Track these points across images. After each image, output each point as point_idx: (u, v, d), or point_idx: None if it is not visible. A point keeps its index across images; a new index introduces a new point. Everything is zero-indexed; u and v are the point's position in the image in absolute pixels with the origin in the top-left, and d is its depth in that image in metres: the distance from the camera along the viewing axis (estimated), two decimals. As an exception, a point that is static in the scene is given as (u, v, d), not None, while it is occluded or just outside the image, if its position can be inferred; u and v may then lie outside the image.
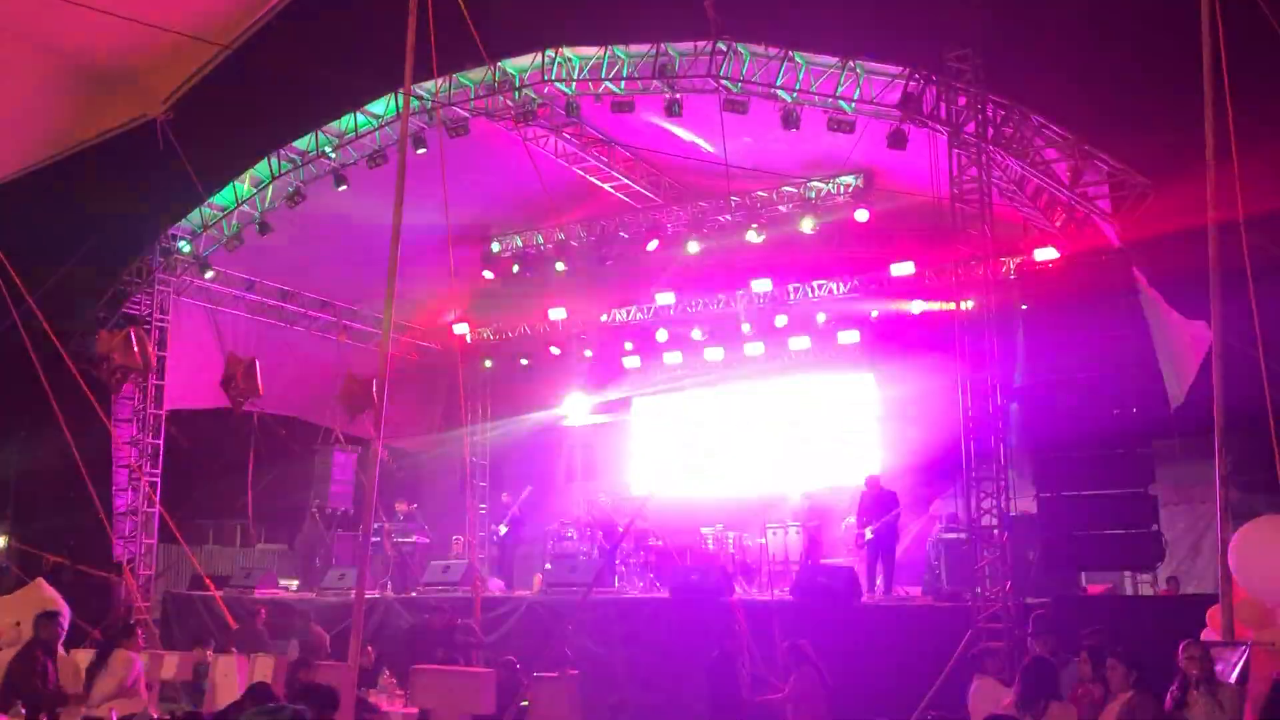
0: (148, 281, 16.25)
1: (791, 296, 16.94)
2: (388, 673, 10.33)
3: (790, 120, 12.56)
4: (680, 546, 15.29)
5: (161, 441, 16.20)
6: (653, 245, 17.10)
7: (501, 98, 13.92)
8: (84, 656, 9.21)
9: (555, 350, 19.12)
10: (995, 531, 10.86)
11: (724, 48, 12.35)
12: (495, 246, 18.60)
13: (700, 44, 12.48)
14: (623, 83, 13.22)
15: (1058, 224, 12.86)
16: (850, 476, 15.14)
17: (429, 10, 8.06)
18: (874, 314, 16.30)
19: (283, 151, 15.34)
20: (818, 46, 12.19)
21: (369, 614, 12.30)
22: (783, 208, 16.25)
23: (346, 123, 14.86)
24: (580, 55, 13.35)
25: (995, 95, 11.57)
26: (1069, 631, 9.02)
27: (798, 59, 12.25)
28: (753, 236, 16.06)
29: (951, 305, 12.62)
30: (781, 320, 17.02)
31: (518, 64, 13.66)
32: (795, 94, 12.44)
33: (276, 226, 15.85)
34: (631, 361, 18.87)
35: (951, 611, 10.91)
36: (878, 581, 12.87)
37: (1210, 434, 7.35)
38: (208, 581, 14.22)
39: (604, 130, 15.62)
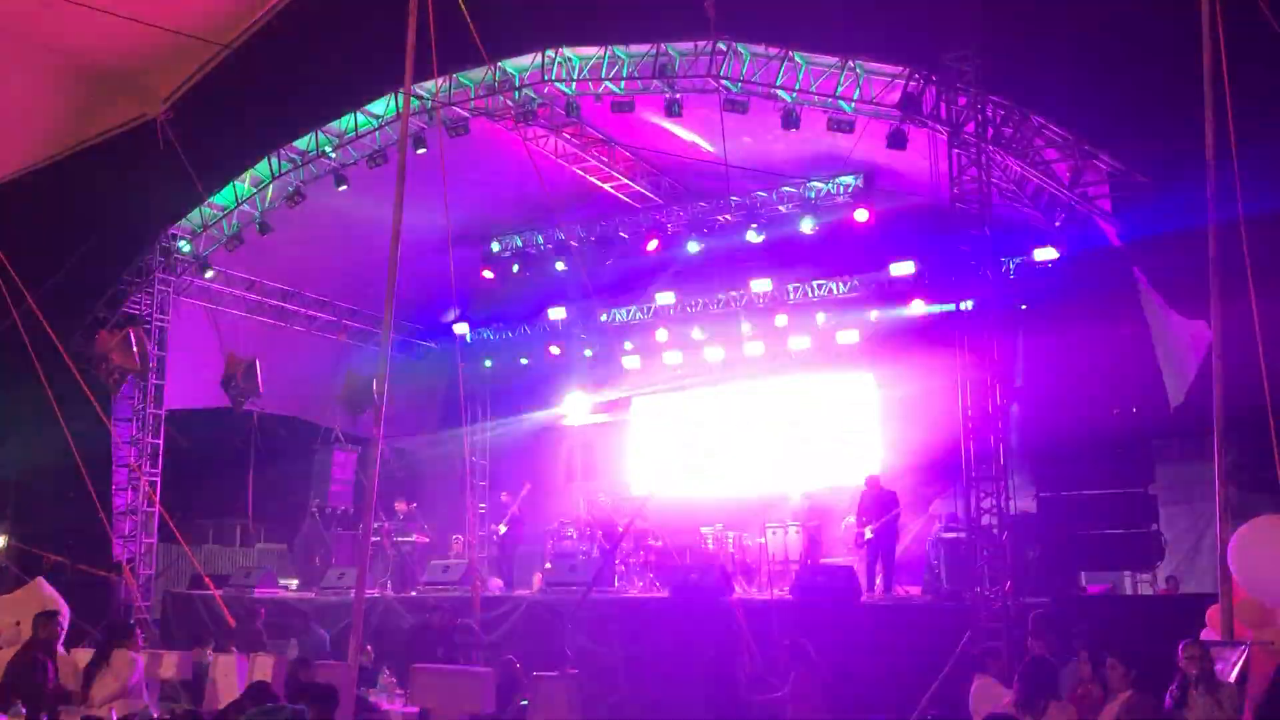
0: (148, 281, 16.25)
1: (791, 296, 16.94)
2: (388, 672, 10.33)
3: (790, 120, 12.56)
4: (680, 546, 15.29)
5: (161, 441, 16.21)
6: (653, 245, 17.10)
7: (501, 98, 13.93)
8: (84, 656, 9.21)
9: (555, 350, 19.12)
10: (995, 531, 10.87)
11: (724, 48, 12.35)
12: (495, 246, 18.61)
13: (700, 44, 12.49)
14: (623, 83, 13.22)
15: (1058, 224, 12.87)
16: (850, 476, 15.14)
17: (429, 10, 8.06)
18: (874, 314, 16.30)
19: (283, 151, 15.34)
20: (818, 46, 12.20)
21: (369, 613, 12.30)
22: (783, 208, 16.25)
23: (346, 122, 14.86)
24: (580, 55, 13.35)
25: (995, 95, 11.58)
26: (1068, 631, 9.03)
27: (797, 59, 12.25)
28: (753, 236, 16.07)
29: (951, 305, 12.63)
30: (781, 320, 17.02)
31: (518, 64, 13.66)
32: (795, 94, 12.45)
33: (276, 226, 15.85)
34: (631, 361, 18.87)
35: (951, 611, 10.92)
36: (877, 581, 12.87)
37: (1210, 433, 7.35)
38: (207, 581, 14.21)
39: (604, 130, 15.62)
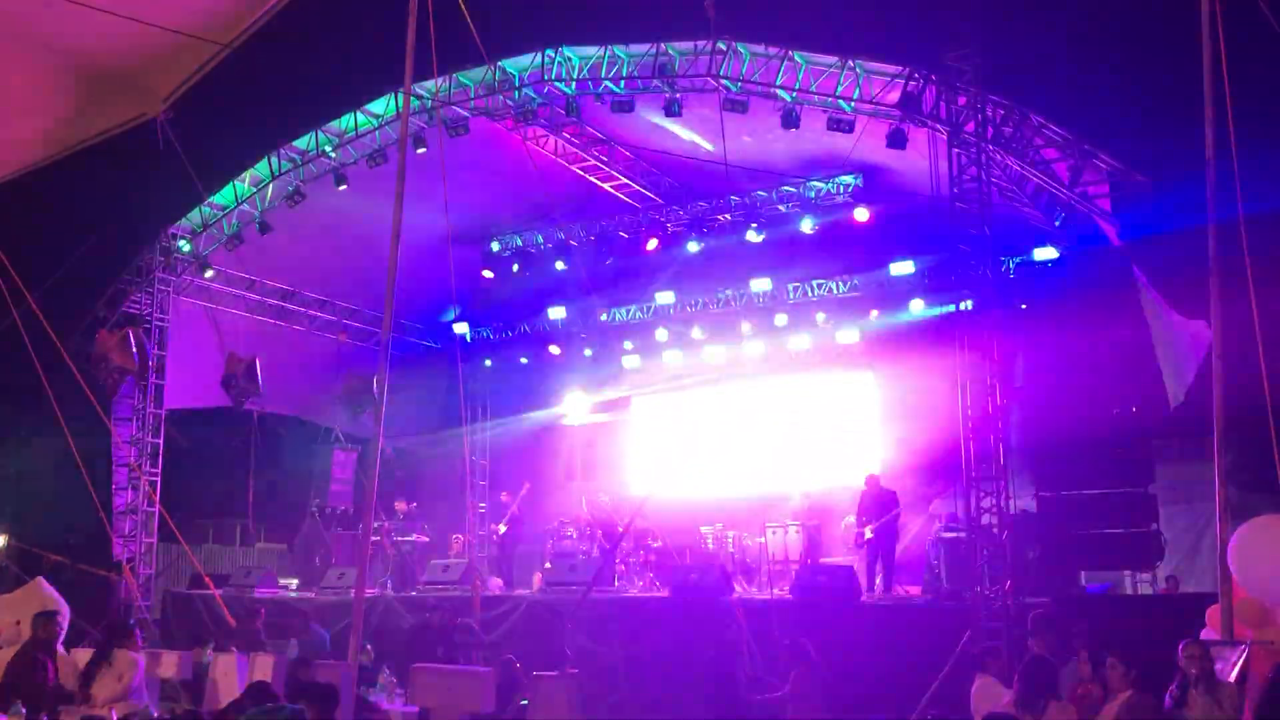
0: (148, 281, 16.25)
1: (791, 296, 16.93)
2: (388, 671, 10.33)
3: (790, 120, 12.56)
4: (680, 546, 15.29)
5: (161, 440, 16.21)
6: (653, 245, 17.11)
7: (501, 97, 13.94)
8: (84, 656, 9.21)
9: (555, 350, 19.13)
10: (995, 531, 10.87)
11: (724, 47, 12.35)
12: (495, 246, 18.62)
13: (700, 43, 12.49)
14: (623, 82, 13.22)
15: (1057, 223, 12.87)
16: (850, 476, 15.13)
17: (429, 10, 8.07)
18: (874, 314, 16.29)
19: (283, 150, 15.35)
20: (817, 46, 12.20)
21: (369, 613, 12.31)
22: (782, 207, 16.27)
23: (346, 122, 14.86)
24: (580, 55, 13.35)
25: (995, 95, 11.58)
26: (1068, 631, 9.03)
27: (797, 58, 12.26)
28: (752, 236, 16.07)
29: (951, 305, 12.63)
30: (781, 319, 17.02)
31: (518, 64, 13.67)
32: (795, 93, 12.45)
33: (276, 226, 15.85)
34: (631, 361, 18.87)
35: (951, 611, 10.92)
36: (877, 581, 12.87)
37: (1209, 433, 7.35)
38: (207, 580, 14.20)
39: (604, 130, 15.62)
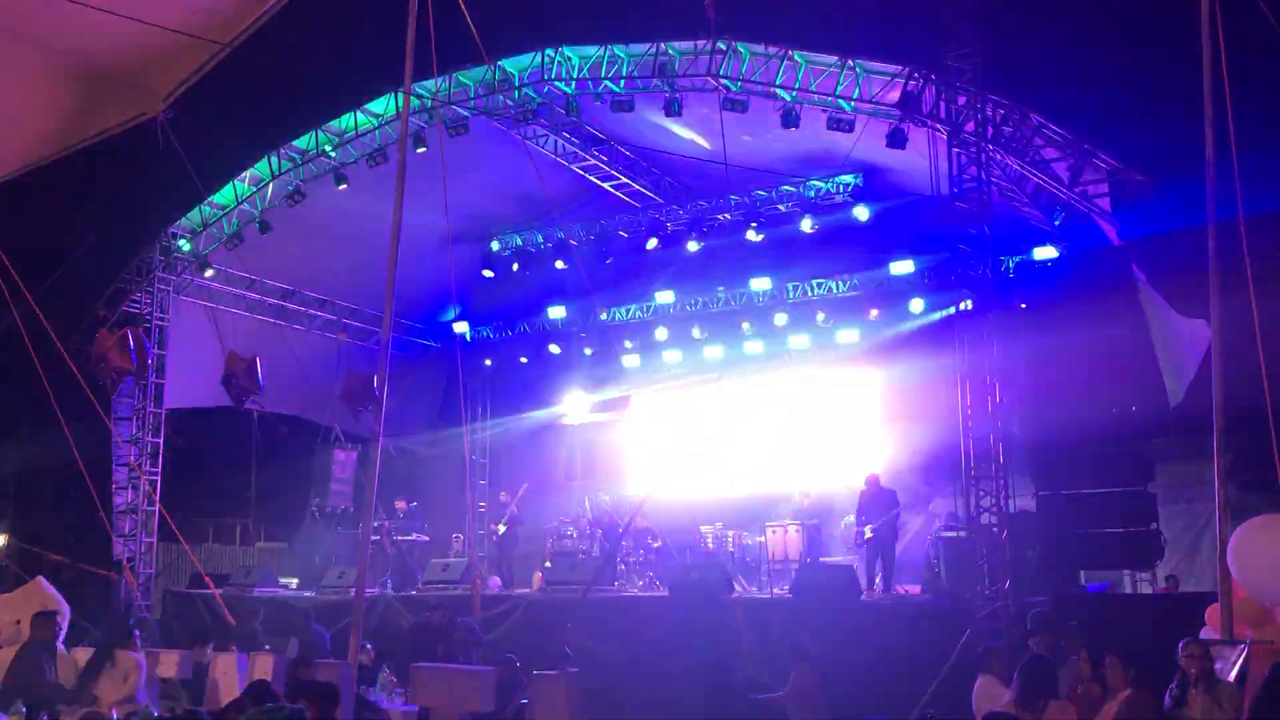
0: (148, 280, 16.25)
1: (791, 295, 16.93)
2: (388, 670, 10.34)
3: (790, 119, 12.56)
4: (680, 545, 15.30)
5: (161, 440, 16.21)
6: (653, 244, 17.10)
7: (501, 97, 13.93)
8: (84, 655, 9.22)
9: (555, 349, 19.12)
10: (994, 530, 10.87)
11: (724, 47, 12.35)
12: (495, 245, 18.62)
13: (700, 43, 12.49)
14: (622, 82, 13.22)
15: (1057, 223, 12.88)
16: (850, 475, 15.14)
17: (429, 10, 8.07)
18: (874, 313, 16.29)
19: (283, 150, 15.34)
20: (817, 46, 12.20)
21: (369, 612, 12.31)
22: (782, 207, 16.27)
23: (346, 121, 14.86)
24: (580, 54, 13.35)
25: (995, 94, 11.58)
26: (1067, 630, 9.04)
27: (797, 58, 12.26)
28: (752, 235, 16.06)
29: (951, 304, 12.64)
30: (781, 319, 17.02)
31: (518, 63, 13.67)
32: (795, 93, 12.45)
33: (276, 225, 15.85)
34: (631, 360, 18.87)
35: (951, 610, 10.93)
36: (877, 580, 12.88)
37: (1209, 432, 7.35)
38: (207, 580, 14.21)
39: (604, 130, 15.62)
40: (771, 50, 12.33)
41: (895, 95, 11.97)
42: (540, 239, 18.23)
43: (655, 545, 14.91)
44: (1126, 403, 12.03)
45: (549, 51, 13.39)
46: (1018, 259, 14.25)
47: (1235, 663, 6.55)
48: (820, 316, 16.83)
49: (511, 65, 13.69)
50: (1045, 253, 13.76)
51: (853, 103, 12.33)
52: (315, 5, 12.23)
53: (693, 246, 16.70)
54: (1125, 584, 12.89)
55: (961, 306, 11.77)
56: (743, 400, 17.90)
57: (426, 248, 14.56)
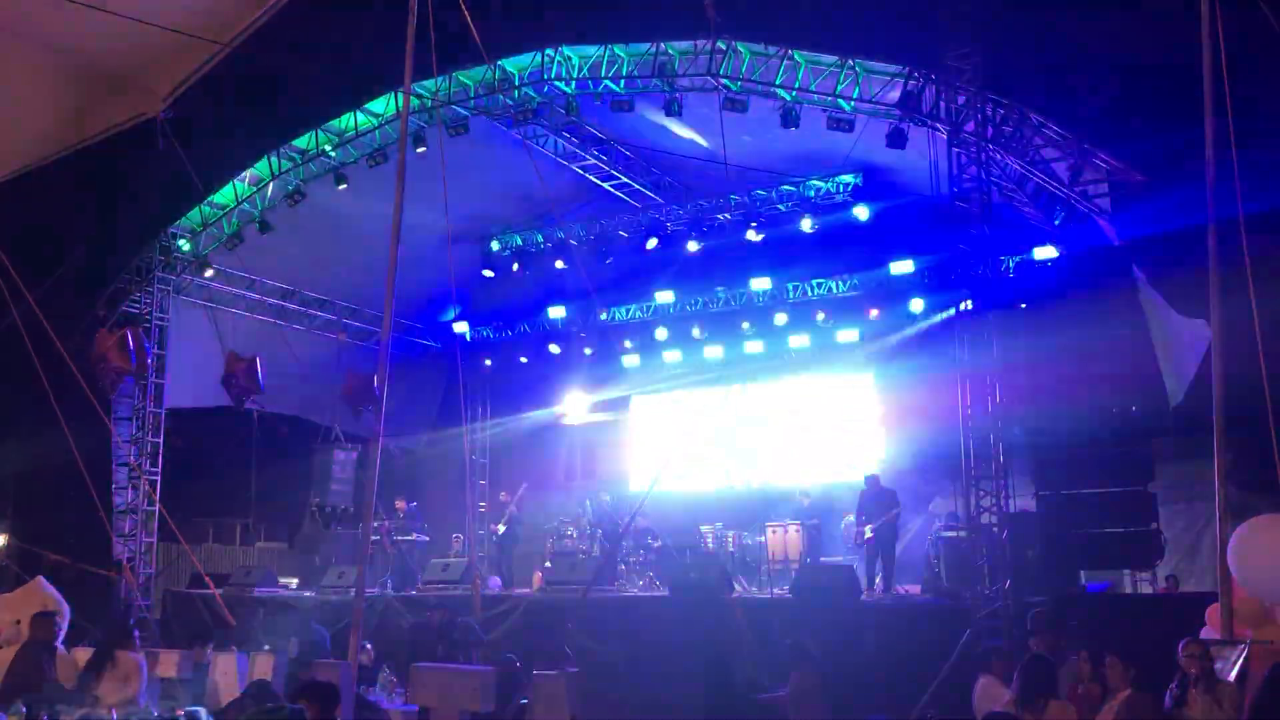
0: (147, 280, 16.24)
1: (791, 295, 16.94)
2: (387, 670, 10.34)
3: (790, 119, 12.56)
4: (680, 544, 15.29)
5: (161, 440, 16.21)
6: (652, 244, 17.10)
7: (501, 97, 13.92)
8: (84, 655, 9.22)
9: (555, 349, 19.12)
10: (995, 529, 10.87)
11: (723, 46, 12.35)
12: (495, 245, 18.61)
13: (700, 43, 12.48)
14: (622, 81, 13.22)
15: (1057, 222, 12.87)
16: (850, 475, 15.14)
17: (429, 9, 8.07)
18: (874, 313, 16.30)
19: (283, 150, 15.32)
20: (817, 45, 12.19)
21: (369, 612, 12.31)
22: (782, 206, 16.27)
23: (346, 121, 14.85)
24: (580, 54, 13.34)
25: (995, 94, 11.58)
26: (1067, 630, 9.03)
27: (797, 58, 12.26)
28: (752, 235, 16.06)
29: (951, 304, 12.64)
30: (781, 319, 17.02)
31: (517, 63, 13.66)
32: (795, 92, 12.45)
33: (276, 225, 15.84)
34: (631, 360, 18.88)
35: (951, 610, 10.93)
36: (877, 580, 12.88)
37: (1209, 432, 7.35)
38: (207, 580, 14.20)
39: (604, 130, 15.62)
40: (771, 50, 12.33)
41: (895, 95, 11.97)
42: (540, 239, 18.22)
43: (655, 545, 14.91)
44: (1126, 403, 12.01)
45: (549, 51, 13.38)
46: (1018, 259, 14.25)
47: (1235, 663, 6.55)
48: (820, 316, 16.83)
49: (511, 65, 13.68)
50: (1045, 252, 13.76)
51: (852, 102, 12.33)
52: (315, 5, 12.24)
53: (693, 246, 16.70)
54: (1125, 584, 12.88)
55: (961, 306, 11.76)
56: (743, 400, 17.90)
57: (426, 248, 14.54)
